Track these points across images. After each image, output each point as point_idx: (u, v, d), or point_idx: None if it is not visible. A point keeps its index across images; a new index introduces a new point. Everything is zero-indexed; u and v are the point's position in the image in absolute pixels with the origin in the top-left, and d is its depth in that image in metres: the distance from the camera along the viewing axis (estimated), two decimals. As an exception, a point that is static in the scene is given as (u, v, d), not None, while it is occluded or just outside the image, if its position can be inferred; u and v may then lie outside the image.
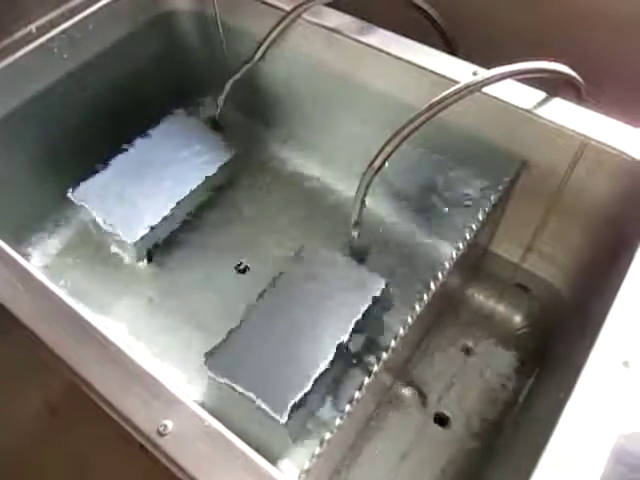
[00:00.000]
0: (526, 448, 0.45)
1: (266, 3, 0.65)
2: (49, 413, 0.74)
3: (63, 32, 0.65)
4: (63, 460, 0.71)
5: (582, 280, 0.59)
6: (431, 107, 0.49)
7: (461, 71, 0.56)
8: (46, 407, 0.74)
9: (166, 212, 0.66)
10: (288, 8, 0.63)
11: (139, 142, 0.71)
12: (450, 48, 0.63)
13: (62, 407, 0.74)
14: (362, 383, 0.45)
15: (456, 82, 0.50)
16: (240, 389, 0.51)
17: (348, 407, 0.44)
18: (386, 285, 0.58)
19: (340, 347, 0.54)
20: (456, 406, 0.60)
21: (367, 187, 0.55)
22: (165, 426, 0.37)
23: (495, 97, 0.54)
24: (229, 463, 0.36)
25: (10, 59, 0.62)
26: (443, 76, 0.56)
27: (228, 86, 0.72)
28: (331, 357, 0.53)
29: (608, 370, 0.38)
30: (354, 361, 0.59)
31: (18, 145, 0.66)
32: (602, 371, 0.38)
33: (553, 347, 0.60)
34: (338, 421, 0.43)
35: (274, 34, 0.65)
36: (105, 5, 0.68)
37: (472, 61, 0.57)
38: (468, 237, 0.52)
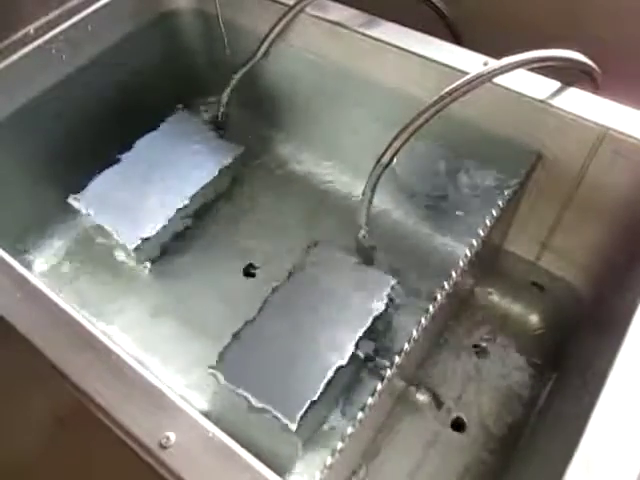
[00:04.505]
0: (548, 456, 0.43)
1: (268, -2, 0.64)
2: (57, 423, 0.73)
3: (62, 33, 0.64)
4: (70, 470, 0.70)
5: (601, 278, 0.58)
6: (441, 99, 0.48)
7: (471, 62, 0.54)
8: (54, 417, 0.73)
9: (169, 215, 0.64)
10: (291, 2, 0.62)
11: (141, 143, 0.70)
12: (457, 40, 0.61)
13: (69, 417, 0.73)
14: (375, 389, 0.43)
15: (466, 73, 0.48)
16: (247, 395, 0.50)
17: (360, 414, 0.42)
18: (396, 284, 0.56)
19: (351, 349, 0.52)
20: (472, 410, 0.58)
21: (375, 184, 0.53)
22: (167, 438, 0.36)
23: (508, 88, 0.52)
24: (235, 476, 0.34)
25: (8, 61, 0.61)
26: (452, 67, 0.54)
27: (231, 84, 0.71)
28: (342, 360, 0.51)
29: (638, 373, 0.36)
30: (365, 364, 0.57)
31: (18, 149, 0.65)
32: (631, 374, 0.36)
33: (572, 348, 0.58)
34: (350, 429, 0.41)
35: (277, 29, 0.64)
36: (105, 5, 0.67)
37: (480, 53, 0.55)
38: (482, 234, 0.50)
